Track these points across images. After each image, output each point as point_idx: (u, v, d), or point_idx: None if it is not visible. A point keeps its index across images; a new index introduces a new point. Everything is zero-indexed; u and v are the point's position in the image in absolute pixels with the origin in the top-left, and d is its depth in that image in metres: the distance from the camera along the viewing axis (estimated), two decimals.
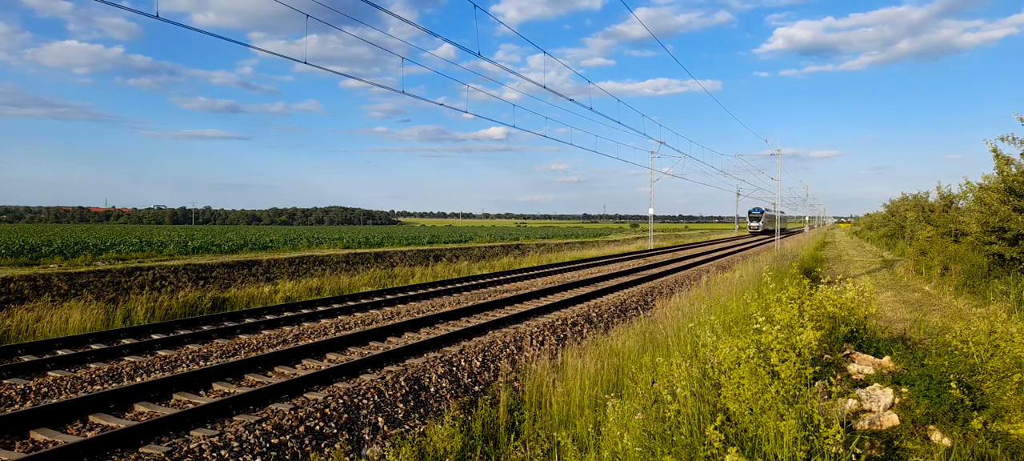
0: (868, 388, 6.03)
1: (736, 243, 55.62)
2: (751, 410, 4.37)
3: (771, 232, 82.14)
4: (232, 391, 8.36)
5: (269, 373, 9.36)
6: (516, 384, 8.62)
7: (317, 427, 7.12)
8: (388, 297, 16.78)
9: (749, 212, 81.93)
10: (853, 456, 3.98)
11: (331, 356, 10.39)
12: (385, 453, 6.37)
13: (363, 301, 16.08)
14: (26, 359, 9.76)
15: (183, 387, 8.36)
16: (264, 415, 7.28)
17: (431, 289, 18.95)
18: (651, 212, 44.21)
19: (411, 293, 18.06)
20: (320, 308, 15.04)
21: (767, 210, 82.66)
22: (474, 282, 20.90)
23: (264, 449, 6.51)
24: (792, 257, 25.11)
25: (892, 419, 5.37)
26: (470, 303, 15.68)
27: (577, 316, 14.02)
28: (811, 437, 3.96)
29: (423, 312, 14.58)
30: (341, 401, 7.72)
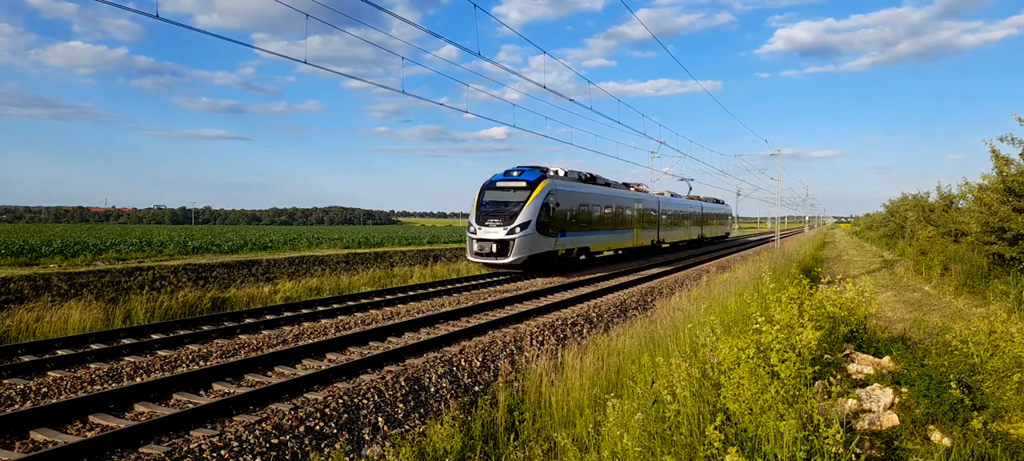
0: (868, 388, 6.04)
1: (734, 243, 55.55)
2: (751, 410, 4.37)
3: (559, 260, 22.97)
4: (232, 391, 8.36)
5: (269, 373, 9.36)
6: (516, 384, 8.62)
7: (317, 427, 7.12)
8: (388, 297, 16.78)
9: (483, 188, 22.29)
10: (853, 456, 3.98)
11: (331, 356, 10.39)
12: (385, 453, 6.36)
13: (363, 301, 16.08)
14: (26, 359, 9.75)
15: (183, 387, 8.36)
16: (264, 415, 7.28)
17: (431, 289, 18.94)
18: None
19: (411, 293, 18.05)
20: (320, 308, 15.03)
21: (561, 173, 23.86)
22: (474, 282, 20.88)
23: (264, 449, 6.51)
24: (792, 257, 25.13)
25: (892, 419, 5.37)
26: (470, 303, 15.67)
27: (577, 316, 14.02)
28: (811, 437, 3.96)
29: (423, 312, 14.57)
30: (341, 401, 7.72)
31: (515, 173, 22.57)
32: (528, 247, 20.62)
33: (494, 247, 20.59)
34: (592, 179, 27.09)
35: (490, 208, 21.49)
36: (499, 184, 22.31)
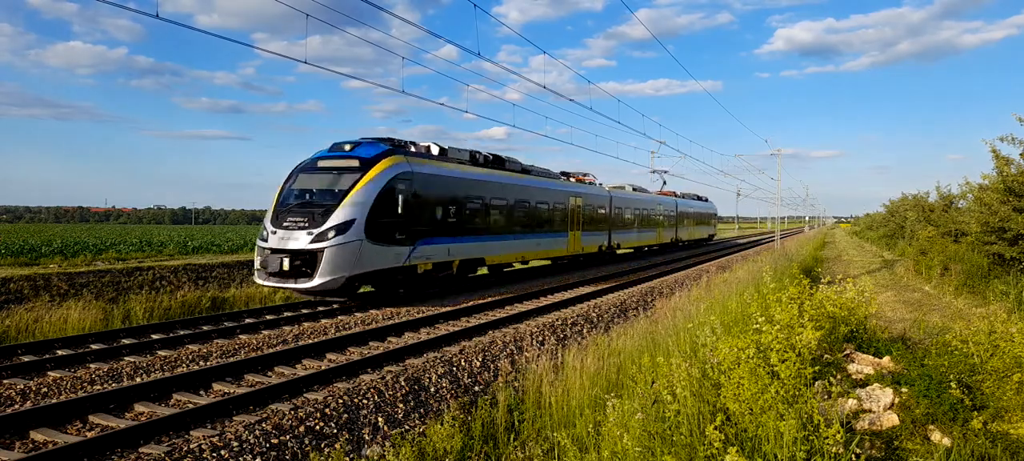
0: (868, 388, 6.04)
1: (734, 243, 55.58)
2: (751, 410, 4.37)
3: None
4: (232, 391, 8.36)
5: (269, 373, 9.36)
6: (516, 384, 8.62)
7: (317, 427, 7.12)
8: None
9: (295, 171, 14.82)
10: (853, 456, 3.98)
11: (331, 356, 10.38)
12: (385, 453, 6.36)
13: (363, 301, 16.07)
14: (26, 359, 9.75)
15: (183, 387, 8.35)
16: (264, 415, 7.28)
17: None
18: None
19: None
20: (320, 308, 15.01)
21: (435, 151, 16.98)
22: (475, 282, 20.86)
23: (264, 449, 6.51)
24: (792, 257, 25.15)
25: (892, 419, 5.37)
26: (470, 303, 15.67)
27: (577, 316, 14.03)
28: (811, 437, 3.96)
29: (423, 312, 14.57)
30: (341, 401, 7.72)
31: (346, 147, 14.90)
32: (350, 262, 13.28)
33: (286, 262, 13.03)
34: (498, 162, 19.76)
35: (295, 201, 14.02)
36: (321, 163, 14.62)
